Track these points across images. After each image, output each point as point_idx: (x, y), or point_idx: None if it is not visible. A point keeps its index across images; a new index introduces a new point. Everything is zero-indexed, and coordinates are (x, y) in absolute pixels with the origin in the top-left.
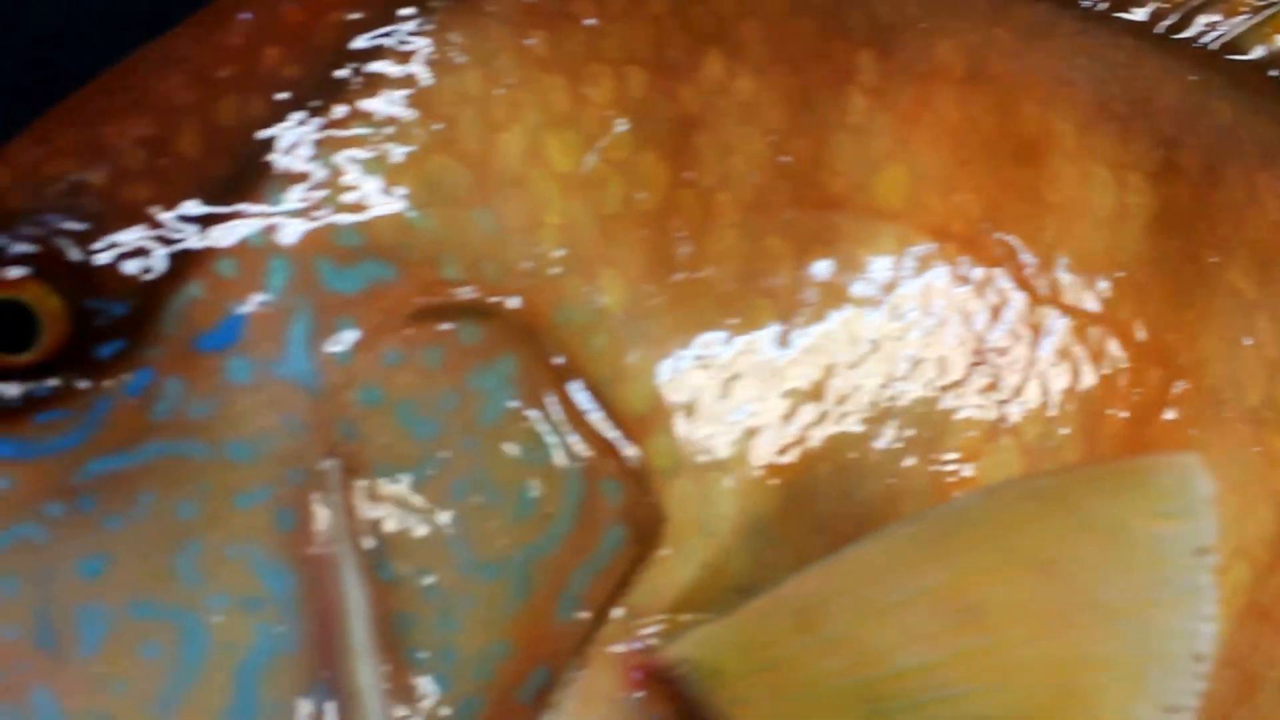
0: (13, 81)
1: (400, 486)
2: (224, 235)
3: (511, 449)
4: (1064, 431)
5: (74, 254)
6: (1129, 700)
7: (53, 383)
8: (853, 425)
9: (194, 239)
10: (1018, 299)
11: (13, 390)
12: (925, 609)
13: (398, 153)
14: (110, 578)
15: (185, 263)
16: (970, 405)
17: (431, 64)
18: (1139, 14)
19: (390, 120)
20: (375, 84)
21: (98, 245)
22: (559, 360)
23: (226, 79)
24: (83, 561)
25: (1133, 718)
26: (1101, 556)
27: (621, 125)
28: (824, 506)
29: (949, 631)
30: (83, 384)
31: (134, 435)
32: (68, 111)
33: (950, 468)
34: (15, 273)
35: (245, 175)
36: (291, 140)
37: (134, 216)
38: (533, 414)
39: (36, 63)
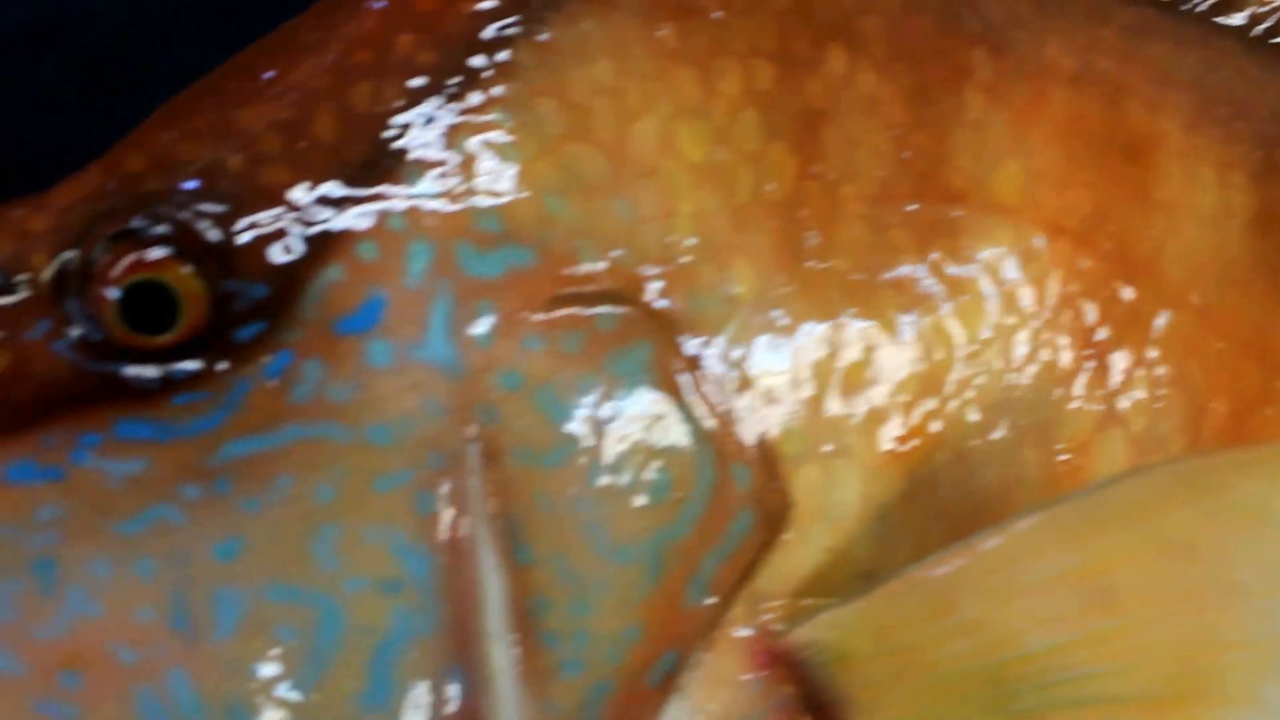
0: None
1: (538, 471)
2: (363, 219)
3: (647, 434)
4: (1169, 424)
5: (214, 236)
6: (1258, 681)
7: (191, 365)
8: (970, 415)
9: (333, 222)
10: (1126, 294)
11: (151, 372)
12: (1058, 591)
13: (534, 140)
14: (246, 560)
15: (325, 246)
16: (1080, 397)
17: (564, 53)
18: (1237, 18)
19: (525, 108)
20: (509, 72)
21: (238, 227)
22: (693, 347)
23: (361, 65)
24: (219, 544)
25: (1261, 698)
26: (1240, 538)
27: (750, 117)
28: (943, 494)
29: (1080, 613)
30: (221, 366)
31: (272, 418)
32: (198, 96)
33: (1061, 457)
34: (157, 254)
35: (383, 160)
36: (428, 126)
37: (273, 199)
38: (667, 399)
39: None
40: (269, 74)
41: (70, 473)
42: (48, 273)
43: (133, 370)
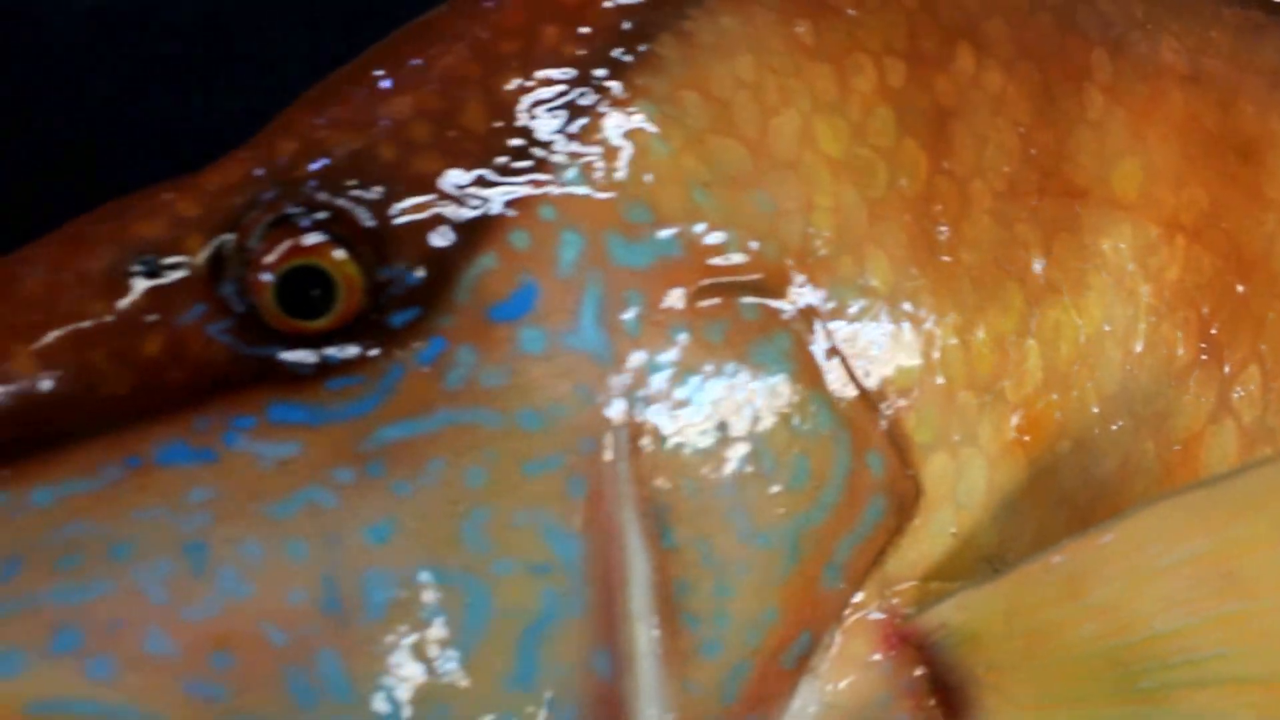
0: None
1: (684, 456)
2: (515, 208)
3: (787, 421)
4: (1279, 416)
5: (370, 222)
6: None
7: (346, 350)
8: (1090, 405)
9: (485, 210)
10: (1239, 288)
11: (306, 356)
12: (1188, 575)
13: (679, 133)
14: (397, 543)
15: (477, 234)
16: (1195, 389)
17: (705, 47)
18: None
19: (670, 101)
20: (653, 65)
21: (392, 214)
22: (831, 336)
23: (508, 55)
24: (370, 527)
25: None
26: None
27: (884, 114)
28: (1064, 481)
29: (1209, 597)
30: (375, 351)
31: (425, 403)
32: (342, 85)
33: (1176, 447)
34: (314, 240)
35: (532, 150)
36: (577, 117)
37: (425, 187)
38: (806, 388)
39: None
40: (414, 63)
41: (222, 455)
42: (203, 257)
43: (287, 354)
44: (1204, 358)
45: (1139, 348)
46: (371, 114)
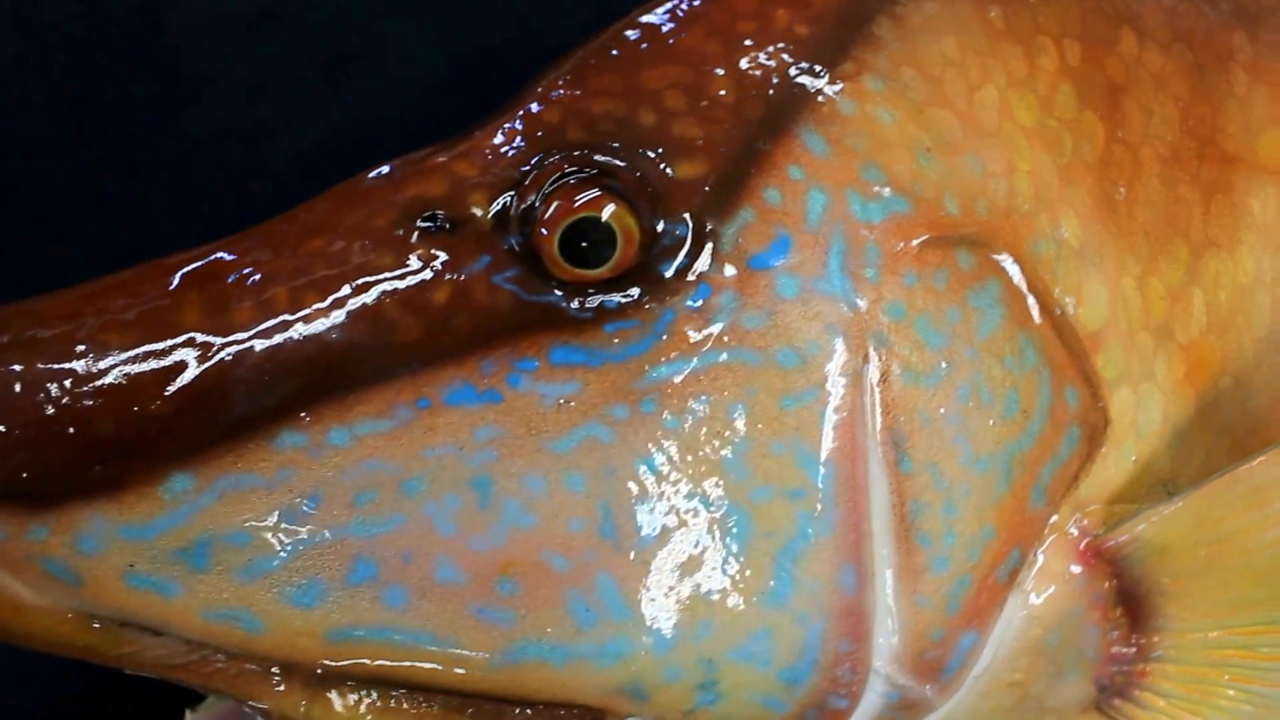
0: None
1: (917, 390)
2: (766, 169)
3: (1000, 358)
4: None
5: (644, 180)
6: None
7: (622, 296)
8: (1246, 346)
9: (741, 171)
10: None
11: (586, 303)
12: None
13: (902, 104)
14: (668, 474)
15: (737, 192)
16: None
17: (917, 29)
18: None
19: (892, 76)
20: (874, 44)
21: (662, 174)
22: (1033, 284)
23: (746, 34)
24: (643, 459)
25: None
26: None
27: (1067, 89)
28: (1225, 413)
29: None
30: (647, 298)
31: (693, 344)
32: (590, 60)
33: None
34: (594, 195)
35: (777, 118)
36: (813, 90)
37: (688, 150)
38: (1015, 329)
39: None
40: (657, 42)
41: (507, 395)
42: (488, 213)
43: (569, 301)
44: None
45: None
46: (627, 86)
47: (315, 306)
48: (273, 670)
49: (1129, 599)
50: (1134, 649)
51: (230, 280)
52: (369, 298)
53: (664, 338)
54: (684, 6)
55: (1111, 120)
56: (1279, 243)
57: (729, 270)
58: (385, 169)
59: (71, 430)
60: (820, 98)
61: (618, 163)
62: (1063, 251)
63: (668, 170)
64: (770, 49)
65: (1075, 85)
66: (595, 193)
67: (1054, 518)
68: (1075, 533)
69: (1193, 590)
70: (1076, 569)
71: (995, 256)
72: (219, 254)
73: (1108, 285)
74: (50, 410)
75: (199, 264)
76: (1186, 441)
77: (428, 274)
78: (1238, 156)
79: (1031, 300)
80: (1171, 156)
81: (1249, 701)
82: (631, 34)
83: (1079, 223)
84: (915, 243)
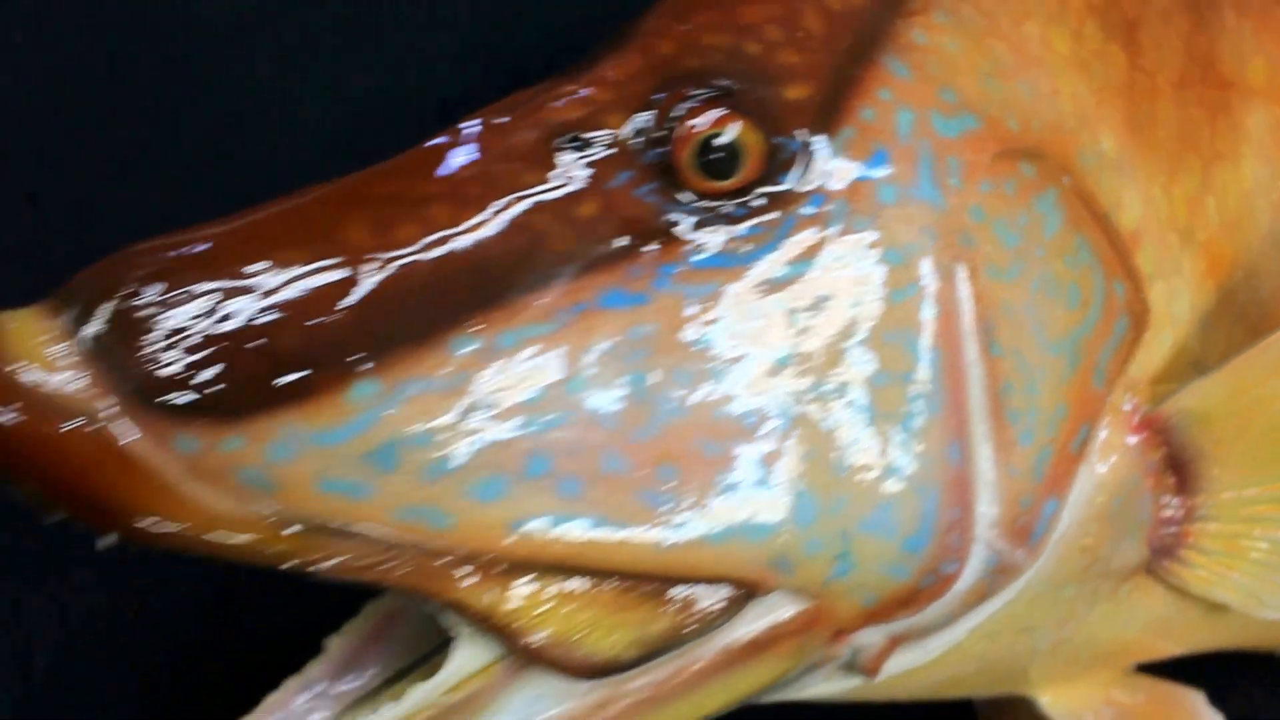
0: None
1: (1002, 283)
2: (861, 92)
3: (1062, 256)
4: None
5: (762, 100)
6: None
7: (750, 205)
8: (1253, 243)
9: (840, 93)
10: None
11: (720, 210)
12: None
13: (965, 35)
14: (798, 364)
15: (839, 111)
16: None
17: None
18: None
19: (954, 12)
20: None
21: (776, 95)
22: (1082, 192)
23: None
24: (775, 352)
25: None
26: None
27: (1092, 23)
28: (1240, 301)
29: None
30: (772, 206)
31: (813, 247)
32: (688, 2)
33: None
34: (721, 112)
35: (863, 48)
36: (890, 22)
37: (793, 75)
38: (1072, 231)
39: None
40: None
41: (654, 296)
42: (627, 131)
43: (703, 210)
44: None
45: (1278, 199)
46: (729, 21)
47: (475, 220)
48: (458, 564)
49: (1178, 465)
50: (1182, 511)
51: (390, 201)
52: (524, 212)
53: (788, 241)
54: None
55: (1130, 50)
56: (1269, 154)
57: (837, 182)
58: (514, 99)
59: (259, 345)
60: (897, 29)
61: (740, 85)
62: (1103, 164)
63: (782, 91)
64: None
65: (1099, 20)
66: (722, 111)
67: (1110, 396)
68: (1128, 409)
69: (1231, 453)
70: (1132, 440)
71: (1052, 166)
72: (370, 180)
73: (1140, 193)
74: (238, 326)
75: (355, 188)
76: (1211, 327)
77: (575, 188)
78: (1233, 80)
79: (1082, 206)
80: (1181, 81)
81: (1278, 552)
82: None
83: (1114, 139)
84: (987, 155)
